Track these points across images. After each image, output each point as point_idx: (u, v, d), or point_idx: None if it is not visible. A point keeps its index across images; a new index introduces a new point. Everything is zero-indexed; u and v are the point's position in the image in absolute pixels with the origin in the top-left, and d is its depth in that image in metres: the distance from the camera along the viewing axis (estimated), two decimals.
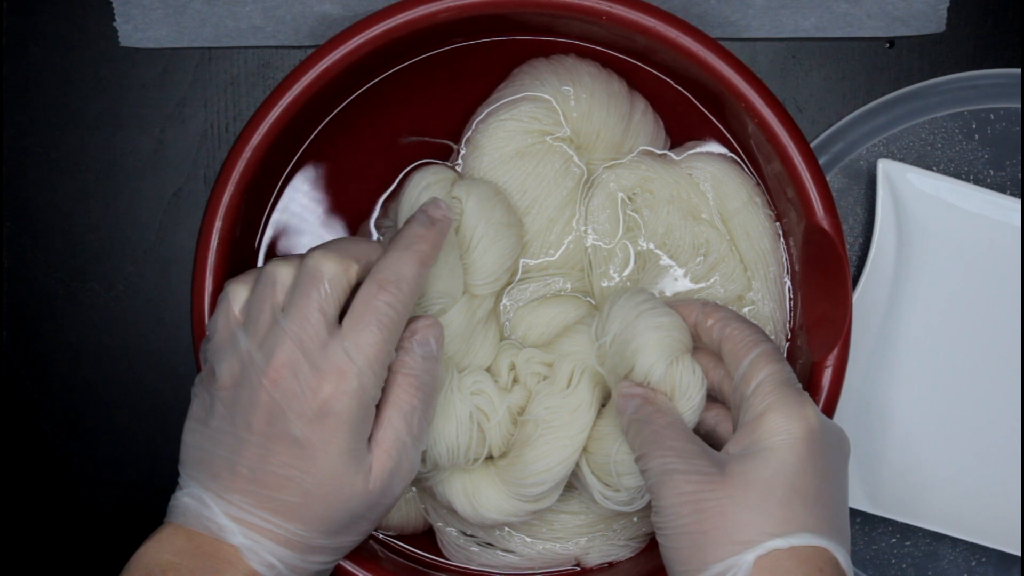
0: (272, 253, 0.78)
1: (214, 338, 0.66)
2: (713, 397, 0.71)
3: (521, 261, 0.77)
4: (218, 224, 0.73)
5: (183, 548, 0.63)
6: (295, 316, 0.63)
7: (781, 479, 0.62)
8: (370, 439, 0.65)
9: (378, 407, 0.65)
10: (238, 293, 0.66)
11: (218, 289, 0.73)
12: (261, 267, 0.67)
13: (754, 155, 0.77)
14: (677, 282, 0.77)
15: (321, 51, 0.73)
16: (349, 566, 0.73)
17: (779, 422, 0.64)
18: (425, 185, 0.73)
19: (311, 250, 0.66)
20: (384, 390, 0.65)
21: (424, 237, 0.67)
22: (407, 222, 0.68)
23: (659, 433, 0.65)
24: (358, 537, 0.67)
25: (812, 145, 0.80)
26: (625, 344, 0.69)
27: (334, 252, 0.65)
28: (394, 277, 0.65)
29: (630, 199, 0.77)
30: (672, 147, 0.79)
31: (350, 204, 0.78)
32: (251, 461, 0.63)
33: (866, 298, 0.82)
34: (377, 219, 0.78)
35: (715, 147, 0.78)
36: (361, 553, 0.74)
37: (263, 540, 0.63)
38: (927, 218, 0.82)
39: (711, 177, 0.77)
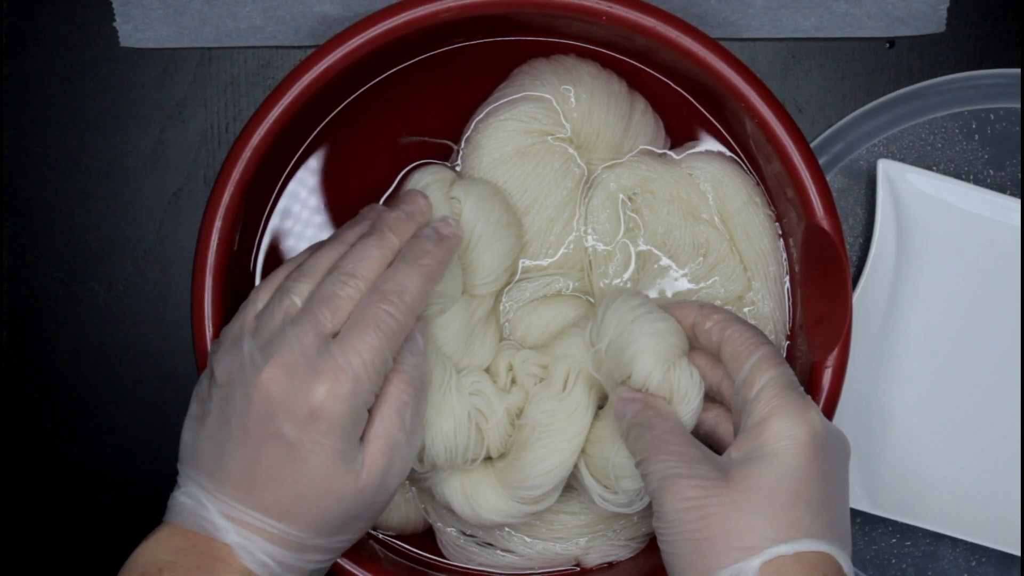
0: (273, 253, 0.78)
1: (224, 340, 0.66)
2: (711, 398, 0.71)
3: (521, 261, 0.77)
4: (218, 224, 0.73)
5: (179, 547, 0.64)
6: (303, 324, 0.64)
7: (785, 484, 0.62)
8: (362, 438, 0.65)
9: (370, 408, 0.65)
10: (259, 301, 0.67)
11: (218, 289, 0.73)
12: (285, 277, 0.67)
13: (754, 155, 0.77)
14: (677, 282, 0.77)
15: (321, 51, 0.73)
16: (349, 566, 0.73)
17: (783, 427, 0.63)
18: (423, 185, 0.73)
19: (334, 274, 0.66)
20: None
21: (431, 253, 0.67)
22: (415, 236, 0.68)
23: (661, 438, 0.65)
24: (354, 536, 0.67)
25: (812, 145, 0.80)
26: (621, 350, 0.69)
27: (350, 276, 0.65)
28: (397, 288, 0.65)
29: (630, 199, 0.77)
30: (672, 147, 0.79)
31: (350, 204, 0.78)
32: (243, 461, 0.63)
33: (866, 298, 0.82)
34: None
35: (715, 147, 0.78)
36: (361, 553, 0.74)
37: (256, 539, 0.63)
38: (927, 218, 0.82)
39: (711, 177, 0.77)
